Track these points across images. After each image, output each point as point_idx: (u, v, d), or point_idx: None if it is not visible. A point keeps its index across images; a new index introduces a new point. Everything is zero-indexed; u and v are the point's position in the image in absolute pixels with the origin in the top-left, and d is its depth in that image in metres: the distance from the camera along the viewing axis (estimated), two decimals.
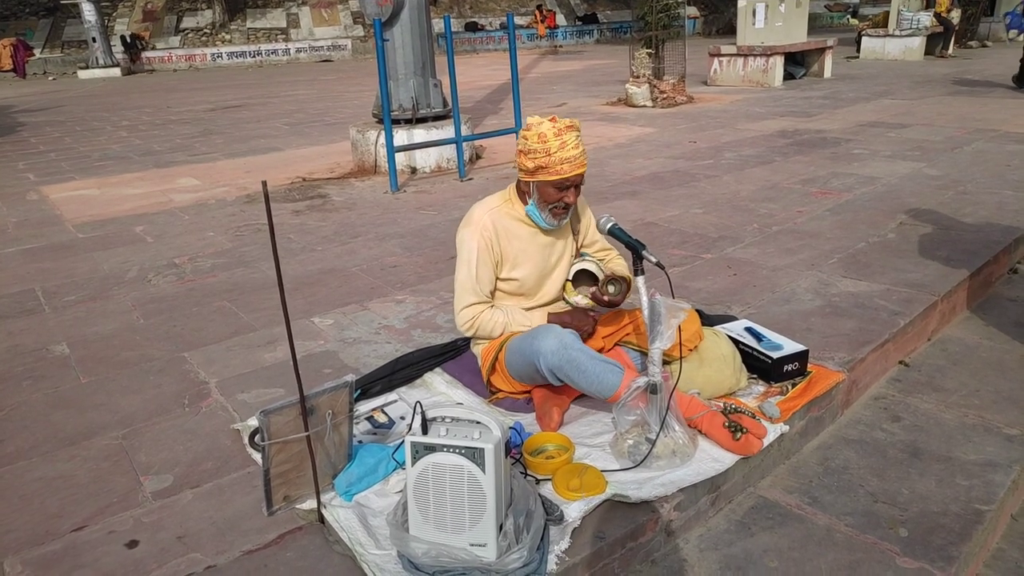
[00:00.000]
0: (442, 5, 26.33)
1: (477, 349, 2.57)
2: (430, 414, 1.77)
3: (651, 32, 10.65)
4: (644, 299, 2.18)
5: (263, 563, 1.82)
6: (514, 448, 2.15)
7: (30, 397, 2.74)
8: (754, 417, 2.27)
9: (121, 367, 2.94)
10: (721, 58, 11.93)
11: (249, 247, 4.50)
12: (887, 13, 14.91)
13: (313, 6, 26.35)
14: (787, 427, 2.30)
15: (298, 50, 25.10)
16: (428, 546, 1.70)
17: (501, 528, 1.71)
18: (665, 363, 2.17)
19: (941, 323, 3.28)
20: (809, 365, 2.58)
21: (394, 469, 2.09)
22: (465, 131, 6.32)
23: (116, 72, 22.06)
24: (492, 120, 9.13)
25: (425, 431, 1.75)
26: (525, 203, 2.42)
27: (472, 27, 26.30)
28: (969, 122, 7.47)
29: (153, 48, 24.26)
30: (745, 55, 11.62)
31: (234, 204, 5.67)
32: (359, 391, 2.53)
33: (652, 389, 2.09)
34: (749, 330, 2.70)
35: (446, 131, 6.35)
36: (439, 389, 2.62)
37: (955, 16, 14.85)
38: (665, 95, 9.96)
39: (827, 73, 12.30)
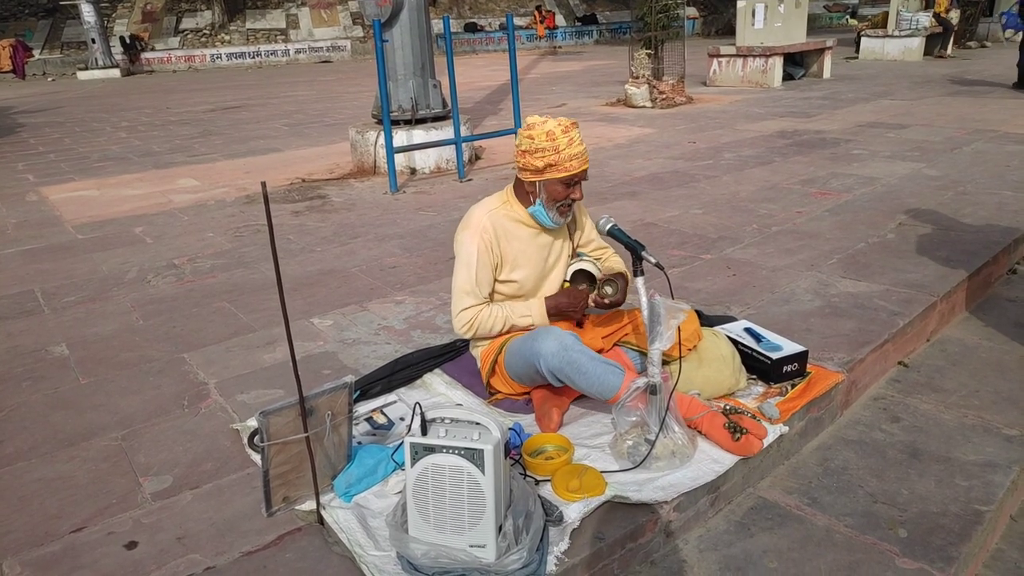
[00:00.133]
0: (441, 6, 26.34)
1: (476, 351, 2.56)
2: (429, 415, 1.77)
3: (650, 33, 10.65)
4: (643, 300, 2.19)
5: (262, 564, 1.81)
6: (513, 449, 2.15)
7: (29, 398, 2.74)
8: (754, 418, 2.27)
9: (120, 368, 2.94)
10: (720, 59, 11.94)
11: (248, 248, 4.50)
12: (886, 14, 14.91)
13: (312, 7, 26.36)
14: (786, 428, 2.30)
15: (297, 51, 25.10)
16: (427, 547, 1.70)
17: (500, 529, 1.71)
18: (664, 363, 2.17)
19: (940, 324, 3.28)
20: (808, 366, 2.58)
21: (393, 470, 2.09)
22: (464, 132, 6.32)
23: (115, 73, 22.06)
24: (492, 121, 9.14)
25: (424, 432, 1.75)
26: (527, 204, 2.42)
27: (471, 28, 26.30)
28: (968, 122, 7.47)
29: (152, 49, 24.25)
30: (744, 56, 11.62)
31: (233, 205, 5.67)
32: (358, 392, 2.53)
33: (652, 390, 2.09)
34: (748, 331, 2.70)
35: (445, 132, 6.35)
36: (438, 390, 2.62)
37: (954, 16, 14.86)
38: (664, 96, 9.97)
39: (826, 74, 12.30)
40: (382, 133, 5.93)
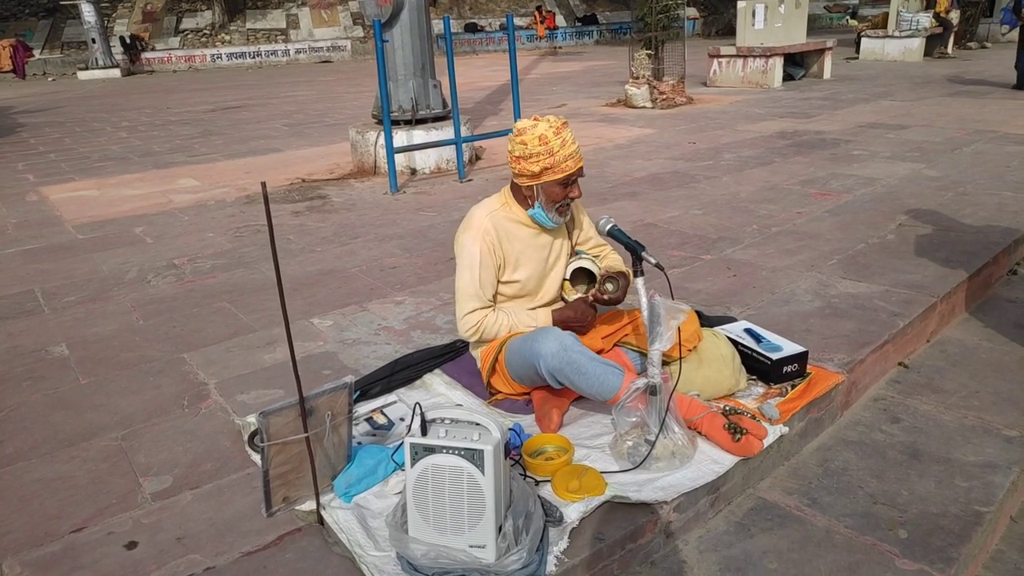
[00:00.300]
0: (442, 6, 26.34)
1: (476, 351, 2.56)
2: (429, 415, 1.78)
3: (650, 33, 10.65)
4: (643, 300, 2.19)
5: (262, 564, 1.81)
6: (513, 449, 2.15)
7: (29, 398, 2.74)
8: (754, 418, 2.27)
9: (120, 368, 2.94)
10: (720, 59, 11.94)
11: (249, 248, 4.50)
12: (886, 14, 14.91)
13: (313, 7, 26.36)
14: (786, 428, 2.30)
15: (298, 51, 25.11)
16: (427, 547, 1.70)
17: (500, 529, 1.71)
18: (664, 364, 2.17)
19: (940, 324, 3.28)
20: (808, 366, 2.58)
21: (393, 470, 2.09)
22: (465, 132, 6.32)
23: (116, 73, 22.07)
24: (492, 121, 9.14)
25: (424, 432, 1.75)
26: (525, 206, 2.42)
27: (472, 28, 26.31)
28: (968, 123, 7.47)
29: (153, 49, 24.26)
30: (744, 56, 11.62)
31: (234, 205, 5.68)
32: (358, 392, 2.53)
33: (651, 391, 2.09)
34: (748, 331, 2.70)
35: (446, 132, 6.35)
36: (438, 390, 2.62)
37: (954, 17, 14.86)
38: (664, 96, 9.97)
39: (826, 74, 12.30)
40: (382, 133, 5.93)
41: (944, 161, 5.83)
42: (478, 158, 7.08)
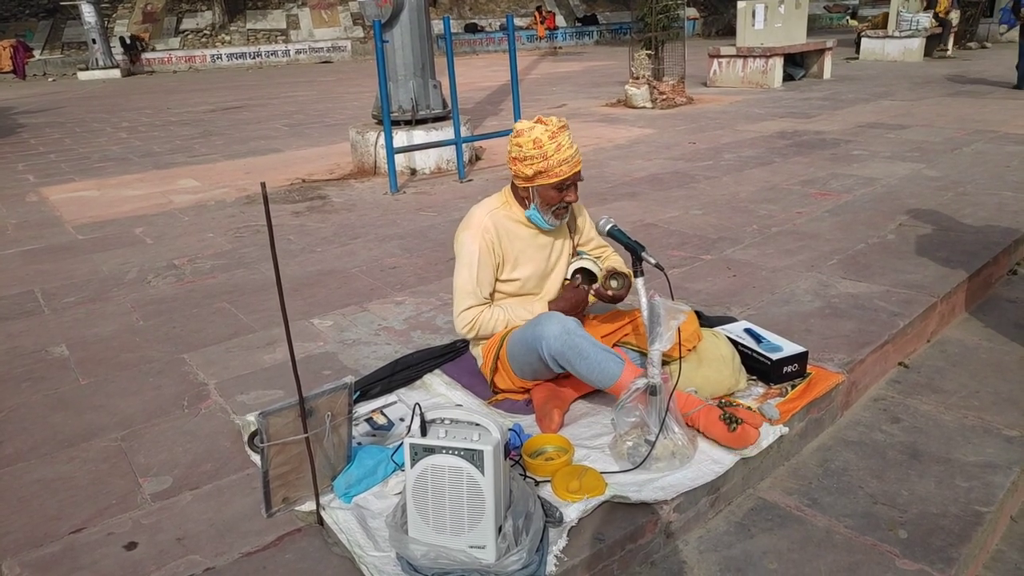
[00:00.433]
0: (442, 6, 26.34)
1: (477, 350, 2.56)
2: (429, 416, 1.77)
3: (650, 33, 10.65)
4: (643, 300, 2.19)
5: (262, 565, 1.81)
6: (513, 450, 2.15)
7: (29, 399, 2.74)
8: (749, 408, 2.27)
9: (120, 369, 2.94)
10: (720, 59, 11.94)
11: (249, 248, 4.50)
12: (886, 14, 14.91)
13: (313, 7, 26.37)
14: (787, 428, 2.30)
15: (298, 51, 25.12)
16: (427, 548, 1.70)
17: (500, 530, 1.71)
18: (664, 364, 2.17)
19: (940, 324, 3.28)
20: (808, 366, 2.58)
21: (393, 471, 2.09)
22: (465, 132, 6.32)
23: (116, 73, 22.08)
24: (492, 121, 9.14)
25: (424, 433, 1.75)
26: (523, 207, 2.42)
27: (472, 28, 26.31)
28: (968, 123, 7.47)
29: (153, 49, 24.27)
30: (744, 56, 11.62)
31: (234, 205, 5.68)
32: (358, 393, 2.53)
33: (651, 391, 2.09)
34: (748, 331, 2.70)
35: (446, 132, 6.35)
36: (438, 391, 2.62)
37: (954, 17, 14.86)
38: (664, 96, 9.97)
39: (826, 74, 12.30)
40: (382, 133, 5.93)
41: (944, 161, 5.83)
42: (478, 158, 7.08)
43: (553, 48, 25.63)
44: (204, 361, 2.96)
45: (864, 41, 15.11)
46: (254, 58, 24.66)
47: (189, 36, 25.08)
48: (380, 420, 2.41)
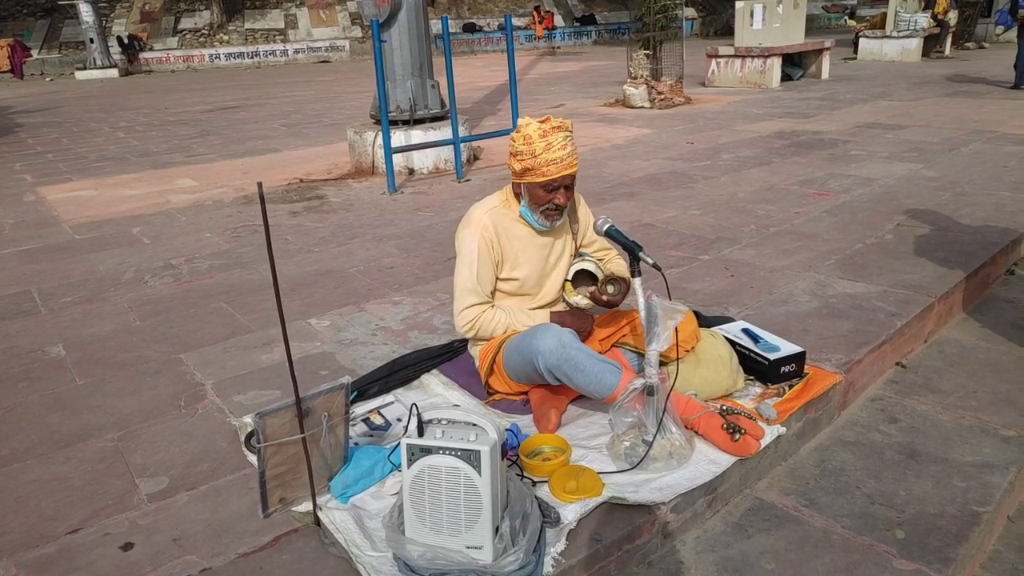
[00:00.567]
0: (440, 6, 26.33)
1: (475, 350, 2.56)
2: (426, 416, 1.77)
3: (649, 33, 10.65)
4: (641, 300, 2.18)
5: (258, 565, 1.81)
6: (511, 450, 2.15)
7: (26, 399, 2.73)
8: (751, 418, 2.27)
9: (117, 369, 2.94)
10: (719, 59, 11.94)
11: (246, 248, 4.49)
12: (884, 14, 14.93)
13: (311, 7, 26.35)
14: (784, 429, 2.30)
15: (296, 51, 25.10)
16: (424, 548, 1.69)
17: (497, 530, 1.71)
18: (662, 364, 2.16)
19: (938, 324, 3.28)
20: (806, 367, 2.57)
21: (390, 471, 2.09)
22: (463, 132, 6.32)
23: (114, 73, 22.05)
24: (490, 121, 9.13)
25: (421, 433, 1.75)
26: (520, 203, 2.41)
27: (470, 28, 26.30)
28: (966, 123, 7.48)
29: (151, 49, 24.25)
30: (743, 56, 11.63)
31: (231, 205, 5.67)
32: (356, 393, 2.53)
33: (649, 391, 2.09)
34: (746, 331, 2.70)
35: (443, 132, 6.35)
36: (436, 391, 2.62)
37: (952, 17, 14.87)
38: (663, 96, 9.97)
39: (825, 74, 12.31)
40: (380, 133, 5.92)
41: (942, 161, 5.84)
42: (476, 158, 7.08)
43: (551, 48, 25.62)
44: (201, 361, 2.96)
45: (862, 41, 15.13)
46: (252, 58, 24.64)
47: (187, 36, 25.05)
48: (377, 420, 2.40)
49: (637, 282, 2.23)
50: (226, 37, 25.22)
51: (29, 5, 25.07)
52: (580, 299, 2.50)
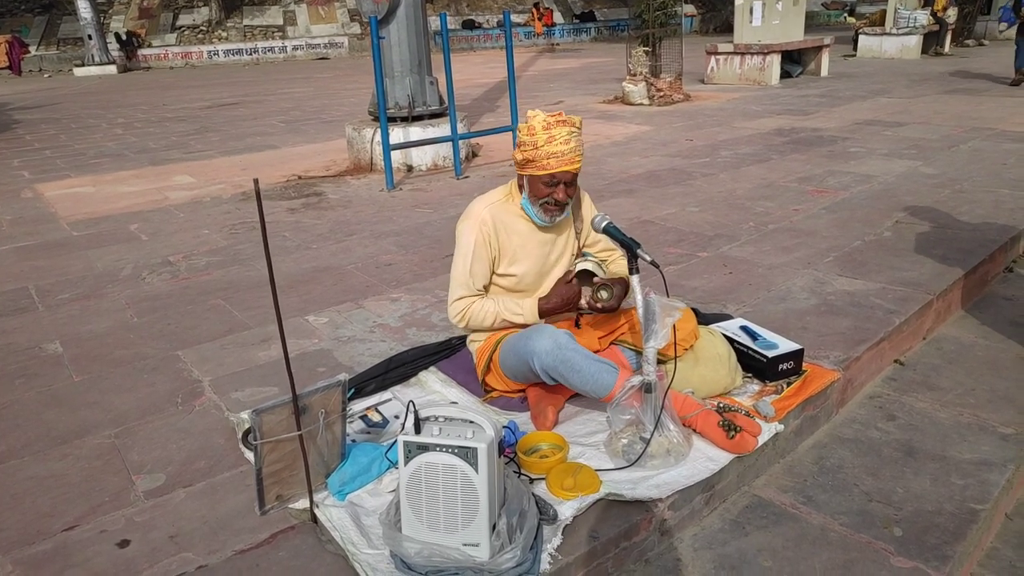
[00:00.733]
0: (439, 2, 26.29)
1: (473, 347, 2.56)
2: (423, 413, 1.77)
3: (648, 30, 10.63)
4: (639, 298, 2.18)
5: (255, 563, 1.81)
6: (508, 447, 2.14)
7: (23, 396, 2.73)
8: (748, 415, 2.27)
9: (114, 365, 2.93)
10: (718, 56, 11.93)
11: (244, 245, 4.48)
12: (884, 11, 14.91)
13: (310, 3, 26.29)
14: (782, 426, 2.30)
15: (295, 48, 25.04)
16: (421, 546, 1.69)
17: (494, 528, 1.70)
18: (660, 362, 2.16)
19: (937, 322, 3.27)
20: (804, 364, 2.57)
21: (387, 468, 2.09)
22: (461, 129, 6.31)
23: (112, 69, 21.99)
24: (489, 118, 9.12)
25: (418, 430, 1.74)
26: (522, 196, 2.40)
27: (469, 25, 26.26)
28: (966, 120, 7.47)
29: (149, 45, 24.18)
30: (742, 53, 11.62)
31: (229, 202, 5.66)
32: (353, 390, 2.52)
33: (647, 388, 2.08)
34: (744, 328, 2.69)
35: (442, 129, 6.34)
36: (433, 388, 2.61)
37: (952, 15, 14.86)
38: (662, 93, 9.96)
39: (824, 71, 12.30)
40: (379, 130, 5.91)
41: (941, 158, 5.83)
42: (475, 155, 7.07)
43: (551, 45, 25.59)
44: (198, 358, 2.95)
45: (862, 38, 15.12)
46: (251, 54, 24.59)
47: (186, 32, 24.99)
48: (375, 417, 2.40)
49: (635, 279, 2.22)
50: (224, 34, 25.17)
51: (27, 1, 25.00)
52: (582, 301, 2.50)
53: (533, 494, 1.90)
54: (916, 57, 14.21)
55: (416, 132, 6.33)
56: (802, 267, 3.59)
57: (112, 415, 2.54)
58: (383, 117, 5.75)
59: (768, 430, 2.25)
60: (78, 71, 21.81)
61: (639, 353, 2.37)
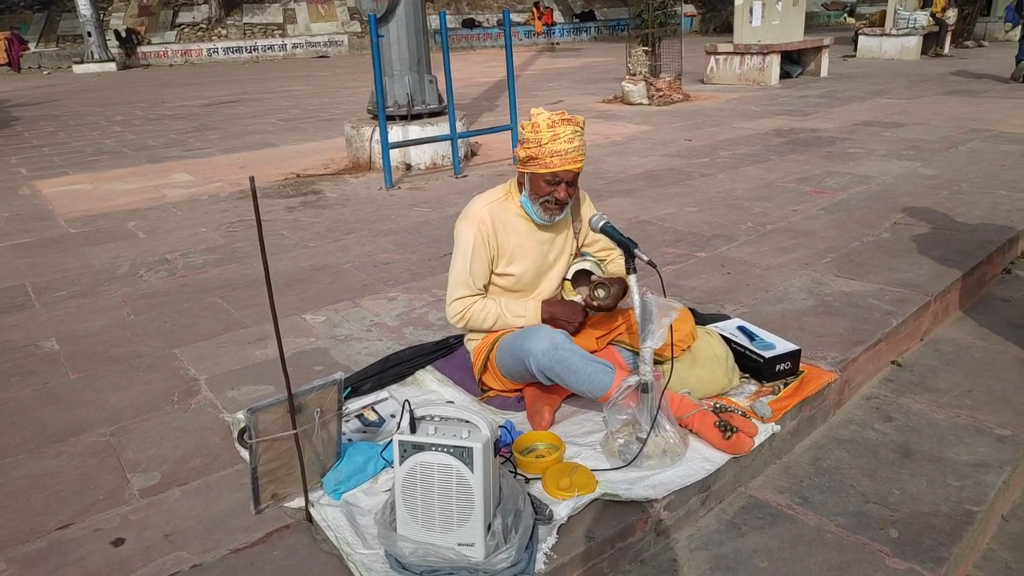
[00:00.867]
0: (439, 1, 26.26)
1: (470, 346, 2.55)
2: (418, 413, 1.76)
3: (648, 30, 10.63)
4: (636, 298, 2.17)
5: (250, 562, 1.80)
6: (504, 447, 2.14)
7: (18, 393, 2.72)
8: (745, 416, 2.27)
9: (110, 363, 2.92)
10: (717, 56, 11.93)
11: (241, 243, 4.48)
12: (884, 12, 14.92)
13: (310, 2, 26.26)
14: (778, 427, 2.29)
15: (294, 46, 25.01)
16: (416, 546, 1.68)
17: (489, 528, 1.70)
18: (657, 363, 2.16)
19: (934, 323, 3.27)
20: (801, 364, 2.57)
21: (383, 467, 2.08)
22: (460, 128, 6.30)
23: (111, 67, 21.96)
24: (488, 117, 9.11)
25: (413, 430, 1.74)
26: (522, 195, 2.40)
27: (469, 23, 26.24)
28: (964, 122, 7.47)
29: (149, 43, 24.15)
30: (742, 53, 11.61)
31: (227, 200, 5.65)
32: (350, 388, 2.52)
33: (643, 388, 2.08)
34: (742, 329, 2.69)
35: (441, 128, 6.33)
36: (430, 387, 2.61)
37: (951, 16, 14.87)
38: (661, 93, 9.95)
39: (823, 72, 12.30)
40: (378, 129, 5.90)
41: (939, 159, 5.83)
42: (474, 154, 7.06)
43: (550, 44, 25.58)
44: (195, 356, 2.95)
45: (861, 39, 15.12)
46: (250, 52, 24.56)
47: (185, 30, 24.96)
48: (371, 416, 2.39)
49: (632, 279, 2.22)
50: (224, 31, 25.14)
51: None
52: (579, 299, 2.49)
53: (529, 494, 1.90)
54: (916, 58, 14.22)
55: (415, 131, 6.32)
56: (800, 268, 3.59)
57: (108, 413, 2.54)
58: (382, 115, 5.74)
59: (765, 431, 2.25)
60: (77, 68, 21.77)
61: (636, 353, 2.37)
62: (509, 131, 6.38)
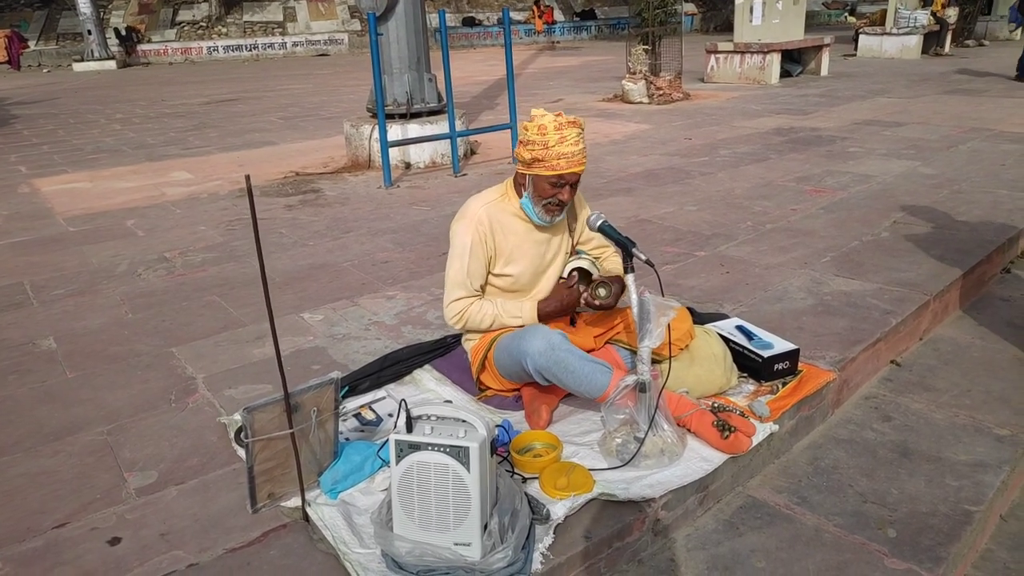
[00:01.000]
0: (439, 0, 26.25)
1: (468, 345, 2.55)
2: (415, 412, 1.76)
3: (648, 28, 10.61)
4: (633, 297, 2.17)
5: (246, 561, 1.80)
6: (501, 446, 2.13)
7: (15, 391, 2.71)
8: (743, 416, 2.26)
9: (108, 362, 2.92)
10: (718, 55, 11.92)
11: (240, 241, 4.47)
12: (884, 11, 14.90)
13: (310, 0, 26.24)
14: (777, 426, 2.29)
15: (294, 44, 25.01)
16: (412, 545, 1.68)
17: (486, 527, 1.70)
18: (655, 362, 2.15)
19: (933, 323, 3.27)
20: (800, 364, 2.56)
21: (380, 467, 2.08)
22: (460, 126, 6.29)
23: (111, 65, 21.96)
24: (487, 116, 9.10)
25: (410, 429, 1.73)
26: (520, 196, 2.39)
27: (469, 22, 26.22)
28: (965, 121, 7.46)
29: (149, 41, 24.14)
30: (742, 52, 11.60)
31: (226, 198, 5.64)
32: (347, 387, 2.51)
33: (641, 387, 2.08)
34: (740, 328, 2.69)
35: (441, 126, 6.32)
36: (428, 386, 2.60)
37: (952, 15, 14.85)
38: (661, 92, 9.94)
39: (824, 71, 12.28)
40: (377, 127, 5.90)
41: (940, 159, 5.82)
42: (473, 153, 7.05)
43: (551, 43, 25.56)
44: (193, 355, 2.94)
45: (862, 38, 15.10)
46: (250, 50, 24.55)
47: (185, 28, 24.95)
48: (369, 415, 2.39)
49: (630, 279, 2.21)
50: (224, 30, 25.12)
51: None
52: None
53: (526, 493, 1.90)
54: (916, 57, 14.20)
55: (414, 129, 6.31)
56: (799, 267, 3.58)
57: (105, 412, 2.53)
58: (381, 114, 5.73)
59: (763, 430, 2.24)
60: (77, 66, 21.77)
61: (634, 353, 2.36)
62: (509, 130, 6.38)
